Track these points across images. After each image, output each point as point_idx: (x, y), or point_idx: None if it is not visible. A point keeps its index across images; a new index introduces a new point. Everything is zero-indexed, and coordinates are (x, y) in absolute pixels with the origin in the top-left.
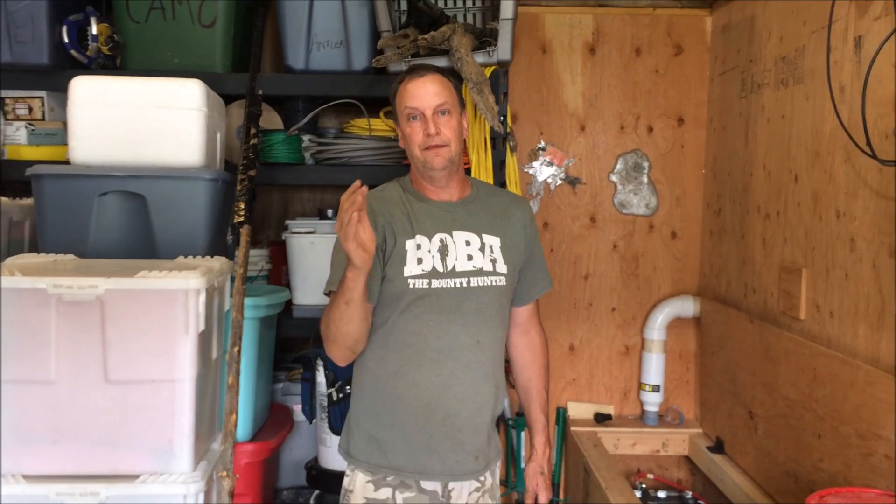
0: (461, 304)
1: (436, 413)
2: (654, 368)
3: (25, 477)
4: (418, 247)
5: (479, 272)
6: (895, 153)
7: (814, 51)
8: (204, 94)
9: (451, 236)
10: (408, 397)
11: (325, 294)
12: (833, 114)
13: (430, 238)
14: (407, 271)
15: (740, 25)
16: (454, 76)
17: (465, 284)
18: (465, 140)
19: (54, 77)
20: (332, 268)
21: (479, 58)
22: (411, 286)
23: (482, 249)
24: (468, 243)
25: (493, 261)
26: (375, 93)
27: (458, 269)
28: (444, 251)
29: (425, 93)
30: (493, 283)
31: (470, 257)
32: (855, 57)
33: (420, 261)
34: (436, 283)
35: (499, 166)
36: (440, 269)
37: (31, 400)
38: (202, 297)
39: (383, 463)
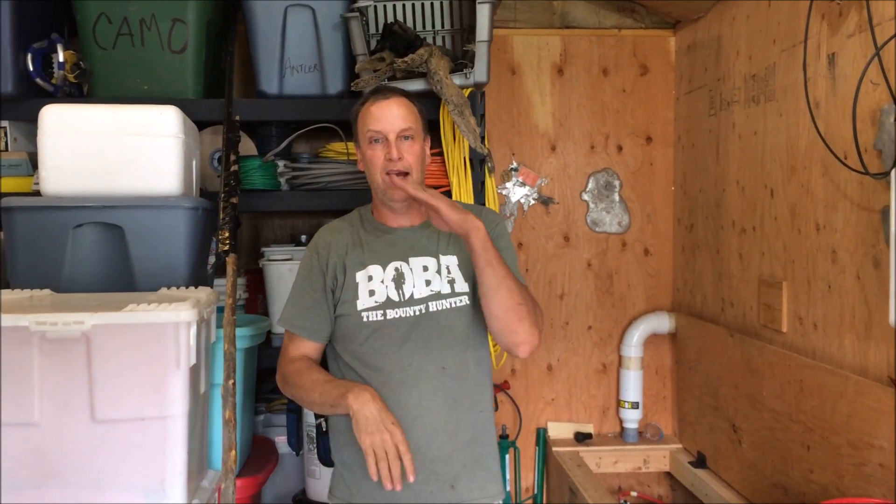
0: (422, 331)
1: None
2: (632, 385)
3: None
4: (370, 278)
5: (437, 296)
6: (878, 166)
7: (785, 68)
8: (181, 121)
9: (408, 263)
10: None
11: (281, 328)
12: (808, 129)
13: (384, 268)
14: (360, 304)
15: (706, 45)
16: (424, 98)
17: (423, 311)
18: (425, 167)
19: (18, 106)
20: (289, 300)
21: (457, 80)
22: (365, 319)
23: (439, 272)
24: (426, 268)
25: (452, 281)
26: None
27: (416, 296)
28: (399, 280)
29: (389, 115)
30: (454, 305)
31: (428, 282)
32: (828, 73)
33: (372, 292)
34: (391, 314)
35: (479, 188)
36: (395, 298)
37: (13, 443)
38: (193, 330)
39: (356, 500)
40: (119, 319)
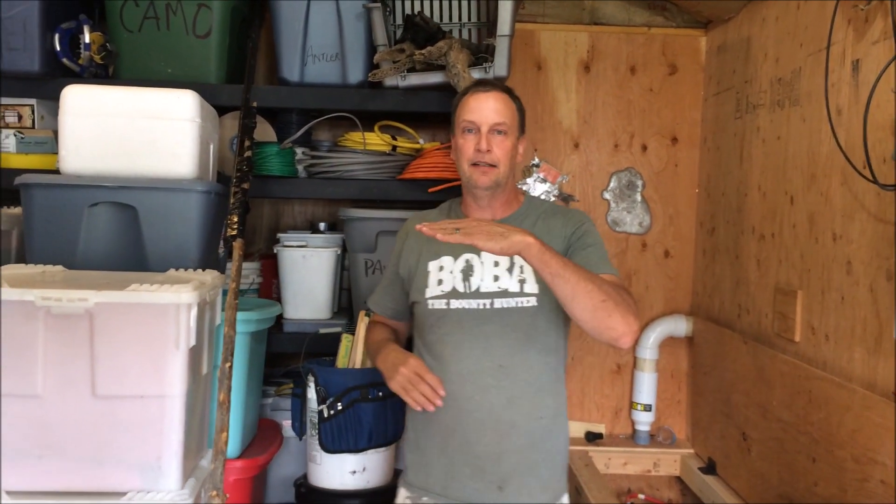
0: (484, 325)
1: (454, 438)
2: (646, 387)
3: (9, 493)
4: (440, 268)
5: (504, 293)
6: (895, 177)
7: (810, 73)
8: (198, 105)
9: (480, 256)
10: (432, 419)
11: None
12: (829, 136)
13: (455, 258)
14: (428, 292)
15: (736, 46)
16: (443, 91)
17: (488, 306)
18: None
19: (45, 85)
20: (379, 286)
21: (476, 74)
22: (430, 307)
23: (510, 269)
24: (497, 263)
25: (522, 281)
26: (370, 106)
27: (482, 289)
28: (467, 271)
29: (486, 108)
30: (520, 305)
31: (496, 278)
32: (852, 80)
33: (440, 282)
34: (455, 304)
35: None
36: (461, 289)
37: (16, 414)
38: (194, 312)
39: (415, 482)
40: (121, 298)
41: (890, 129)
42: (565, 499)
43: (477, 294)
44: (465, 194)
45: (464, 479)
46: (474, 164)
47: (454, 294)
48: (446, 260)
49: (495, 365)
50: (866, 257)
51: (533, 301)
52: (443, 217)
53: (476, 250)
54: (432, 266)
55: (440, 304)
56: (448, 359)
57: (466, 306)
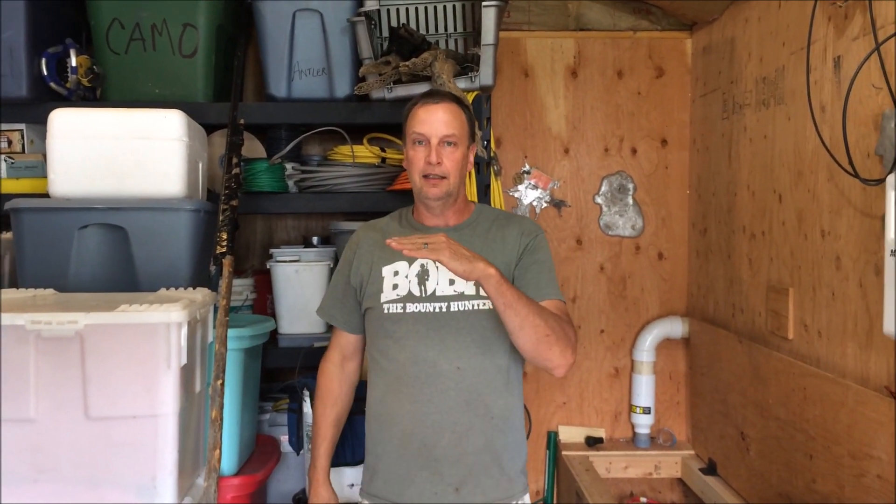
0: (440, 328)
1: (412, 441)
2: (645, 390)
3: None
4: (395, 273)
5: (461, 297)
6: (879, 172)
7: (794, 71)
8: (185, 124)
9: (434, 261)
10: (388, 424)
11: (318, 314)
12: (815, 133)
13: (410, 263)
14: (383, 297)
15: (720, 47)
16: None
17: (444, 309)
18: (467, 173)
19: (34, 110)
20: (326, 291)
21: (462, 83)
22: (386, 311)
23: None
24: None
25: (478, 284)
26: (358, 120)
27: (437, 293)
28: (423, 276)
29: (435, 120)
30: (476, 308)
31: (452, 282)
32: (834, 77)
33: (396, 286)
34: (411, 308)
35: (483, 191)
36: (417, 293)
37: (11, 439)
38: (184, 331)
39: (372, 490)
40: (111, 319)
41: (872, 125)
42: (526, 498)
43: (433, 297)
44: (418, 203)
45: (421, 483)
46: (425, 177)
47: (410, 298)
48: (401, 265)
49: (453, 367)
50: (854, 252)
51: (489, 304)
52: (394, 224)
53: None
54: (387, 271)
55: (396, 308)
56: (405, 362)
57: (423, 310)
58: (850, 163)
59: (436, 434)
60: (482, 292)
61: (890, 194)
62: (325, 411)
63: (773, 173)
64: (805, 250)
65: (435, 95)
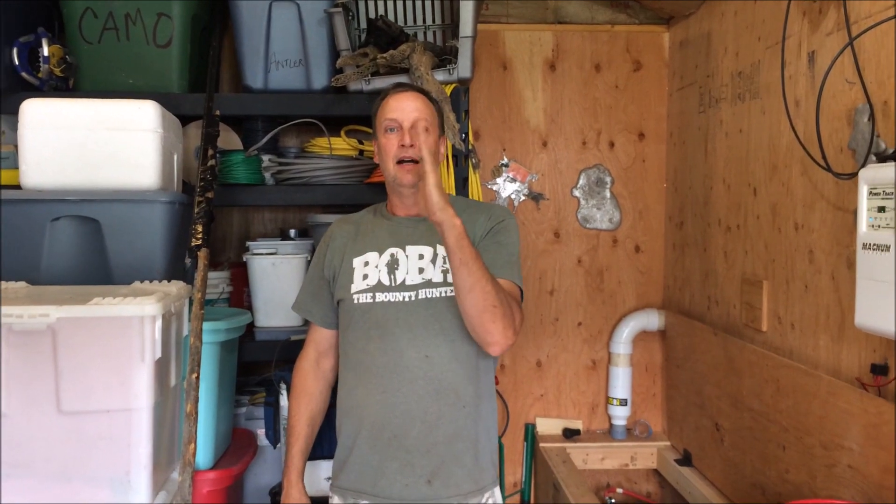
0: (409, 317)
1: (383, 432)
2: (621, 382)
3: None
4: (366, 263)
5: (429, 284)
6: (852, 166)
7: (769, 66)
8: (159, 115)
9: (404, 251)
10: (359, 416)
11: (294, 310)
12: (789, 128)
13: (380, 253)
14: (353, 287)
15: (697, 41)
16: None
17: (412, 298)
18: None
19: (5, 100)
20: (302, 286)
21: (440, 76)
22: (356, 301)
23: (434, 261)
24: (421, 256)
25: (445, 272)
26: (335, 112)
27: (407, 282)
28: (392, 265)
29: (406, 106)
30: (443, 295)
31: (421, 270)
32: (809, 72)
33: (366, 276)
34: (380, 297)
35: (462, 184)
36: (386, 282)
37: None
38: (159, 324)
39: (344, 484)
40: (83, 313)
41: (846, 119)
42: (497, 493)
43: (402, 287)
44: (391, 193)
45: (392, 475)
46: (399, 163)
47: (380, 287)
48: (371, 255)
49: (421, 355)
50: (827, 246)
51: None
52: (368, 217)
53: (400, 245)
54: (357, 262)
55: (366, 298)
56: (374, 351)
57: (392, 299)
58: (824, 157)
59: (406, 424)
60: (450, 279)
61: (862, 188)
62: (299, 410)
63: (748, 167)
64: (779, 243)
65: (403, 86)
